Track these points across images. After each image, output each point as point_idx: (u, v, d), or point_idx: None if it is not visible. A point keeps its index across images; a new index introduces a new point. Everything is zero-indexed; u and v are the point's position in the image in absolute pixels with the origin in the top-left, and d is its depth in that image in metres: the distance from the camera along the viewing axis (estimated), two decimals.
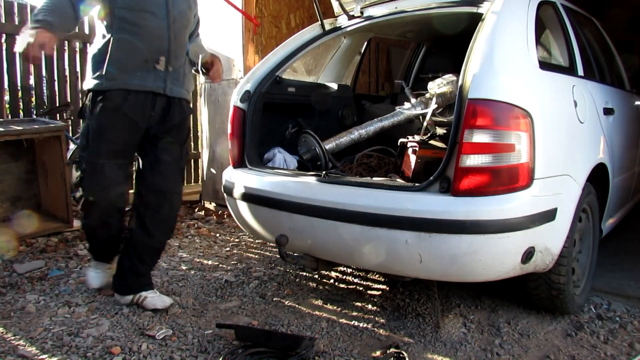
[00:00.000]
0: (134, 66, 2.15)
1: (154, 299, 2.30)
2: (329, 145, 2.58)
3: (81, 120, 2.31)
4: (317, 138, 2.50)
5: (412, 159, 2.24)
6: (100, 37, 2.18)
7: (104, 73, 2.13)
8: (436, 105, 2.49)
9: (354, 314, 2.32)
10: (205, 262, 3.06)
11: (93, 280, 2.50)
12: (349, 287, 2.65)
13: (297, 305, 2.38)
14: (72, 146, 3.91)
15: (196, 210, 4.29)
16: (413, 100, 2.67)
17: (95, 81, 2.16)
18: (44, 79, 4.20)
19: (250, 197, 2.36)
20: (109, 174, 2.18)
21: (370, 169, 2.62)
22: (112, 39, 2.13)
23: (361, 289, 2.62)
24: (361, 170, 2.57)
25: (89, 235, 2.45)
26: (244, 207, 2.41)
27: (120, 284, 2.34)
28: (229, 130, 2.61)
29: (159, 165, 2.28)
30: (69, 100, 4.31)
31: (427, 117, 2.45)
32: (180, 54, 2.28)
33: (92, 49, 2.21)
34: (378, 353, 1.95)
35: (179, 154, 2.35)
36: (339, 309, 2.36)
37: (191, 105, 2.57)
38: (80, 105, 2.29)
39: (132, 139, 2.24)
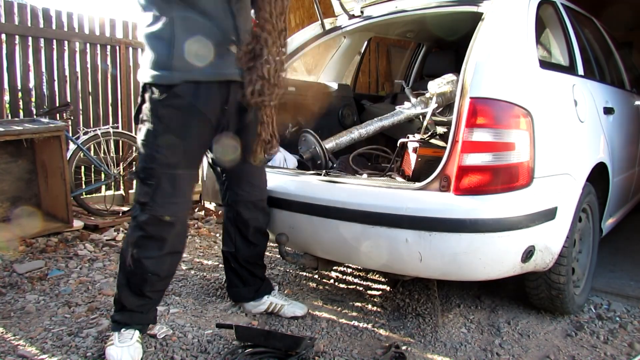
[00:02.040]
0: (207, 51, 1.76)
1: (291, 306, 2.25)
2: (329, 144, 2.58)
3: (139, 123, 1.86)
4: (317, 137, 2.50)
5: (413, 157, 2.24)
6: (151, 16, 1.77)
7: (170, 62, 1.75)
8: (436, 105, 2.49)
9: (354, 314, 2.31)
10: (205, 262, 3.05)
11: (124, 356, 1.77)
12: (349, 287, 2.65)
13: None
14: (72, 146, 3.91)
15: (196, 210, 4.29)
16: (413, 100, 2.67)
17: (158, 73, 1.76)
18: (44, 79, 4.20)
19: None
20: (185, 187, 1.85)
21: (366, 167, 2.62)
22: (173, 17, 1.73)
23: (361, 289, 2.62)
24: (357, 169, 2.57)
25: (143, 275, 1.83)
26: None
27: (248, 292, 2.25)
28: None
29: (246, 174, 2.05)
30: (69, 100, 4.31)
31: (427, 117, 2.45)
32: (246, 30, 1.88)
33: (146, 33, 1.79)
34: (378, 353, 1.94)
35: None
36: (339, 309, 2.36)
37: None
38: (139, 102, 1.84)
39: (206, 141, 1.92)
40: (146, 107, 1.80)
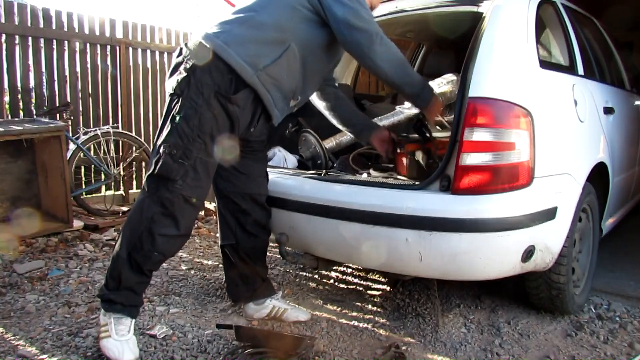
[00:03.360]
0: (282, 88, 1.91)
1: (294, 311, 2.24)
2: (329, 144, 2.58)
3: (177, 96, 1.81)
4: (317, 137, 2.50)
5: (404, 159, 2.24)
6: (283, 26, 1.86)
7: (261, 68, 1.81)
8: None
9: (354, 314, 2.31)
10: (205, 262, 3.05)
11: (125, 352, 1.78)
12: (349, 287, 2.65)
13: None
14: (72, 146, 3.91)
15: None
16: None
17: (243, 63, 1.79)
18: (44, 79, 4.20)
19: None
20: (212, 175, 1.93)
21: (366, 167, 2.62)
22: (290, 46, 1.85)
23: (361, 289, 2.62)
24: (357, 168, 2.57)
25: (149, 252, 1.81)
26: None
27: (247, 290, 2.23)
28: None
29: (247, 168, 2.08)
30: (69, 100, 4.31)
31: None
32: (308, 97, 2.18)
33: (263, 34, 1.84)
34: (378, 353, 1.94)
35: (263, 154, 2.20)
36: (339, 309, 2.36)
37: None
38: (187, 73, 1.80)
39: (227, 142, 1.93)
40: (198, 84, 1.77)
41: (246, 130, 1.94)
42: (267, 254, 2.23)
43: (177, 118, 1.79)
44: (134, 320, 1.87)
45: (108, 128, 4.19)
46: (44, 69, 4.19)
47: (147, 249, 1.80)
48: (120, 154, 4.52)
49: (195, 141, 1.78)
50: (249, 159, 2.07)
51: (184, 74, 1.80)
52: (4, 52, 3.91)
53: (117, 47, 4.63)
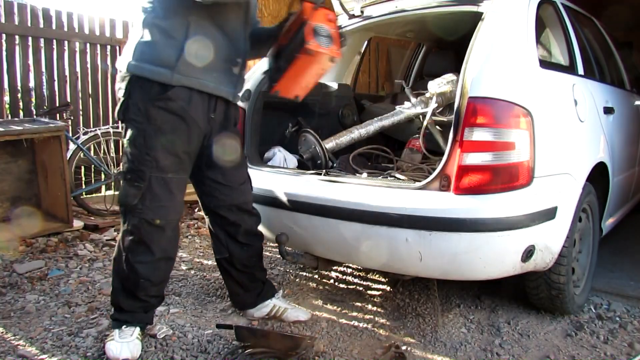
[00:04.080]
0: (214, 63, 1.78)
1: (295, 310, 2.21)
2: (329, 144, 2.58)
3: (122, 122, 1.83)
4: (317, 137, 2.50)
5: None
6: (170, 10, 1.73)
7: (175, 63, 1.71)
8: (436, 105, 2.49)
9: (354, 314, 2.31)
10: (205, 262, 3.05)
11: (123, 351, 1.79)
12: (349, 287, 2.65)
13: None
14: (72, 146, 3.91)
15: (196, 210, 4.29)
16: (413, 100, 2.67)
17: (158, 70, 1.71)
18: (44, 79, 4.20)
19: None
20: (175, 190, 1.82)
21: (366, 167, 2.62)
22: (190, 21, 1.71)
23: (361, 289, 2.62)
24: (357, 168, 2.57)
25: (136, 280, 1.82)
26: None
27: (250, 297, 2.19)
28: None
29: (229, 178, 1.99)
30: (69, 100, 4.31)
31: (427, 117, 2.45)
32: (249, 54, 1.96)
33: (153, 24, 1.73)
34: (378, 353, 1.94)
35: (242, 159, 2.09)
36: (339, 309, 2.36)
37: None
38: (124, 96, 1.77)
39: (196, 148, 1.89)
40: (134, 104, 1.75)
41: (207, 118, 1.85)
42: (268, 254, 2.24)
43: (126, 143, 1.80)
44: (138, 329, 1.89)
45: (108, 128, 4.19)
46: (44, 69, 4.19)
47: (133, 277, 1.82)
48: (120, 154, 4.51)
49: (145, 160, 1.74)
50: (229, 166, 2.00)
51: (122, 100, 1.79)
52: (4, 52, 3.91)
53: (117, 47, 4.63)
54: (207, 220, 2.16)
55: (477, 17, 2.10)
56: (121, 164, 1.82)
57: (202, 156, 1.94)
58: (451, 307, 2.36)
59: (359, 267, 2.82)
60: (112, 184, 4.50)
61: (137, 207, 1.77)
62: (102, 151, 4.22)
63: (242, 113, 2.57)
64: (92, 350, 1.90)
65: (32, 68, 4.10)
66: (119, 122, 1.85)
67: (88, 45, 4.45)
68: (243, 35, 1.90)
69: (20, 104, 4.10)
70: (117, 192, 4.56)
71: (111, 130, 4.16)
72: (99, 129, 4.11)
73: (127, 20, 4.74)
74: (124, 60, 1.78)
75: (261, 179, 2.34)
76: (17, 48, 3.99)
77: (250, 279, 2.18)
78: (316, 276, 2.80)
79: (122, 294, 1.87)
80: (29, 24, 4.05)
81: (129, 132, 1.78)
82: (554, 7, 2.44)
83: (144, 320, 1.93)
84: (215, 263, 2.22)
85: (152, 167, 1.75)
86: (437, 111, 2.53)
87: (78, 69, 4.43)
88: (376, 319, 2.26)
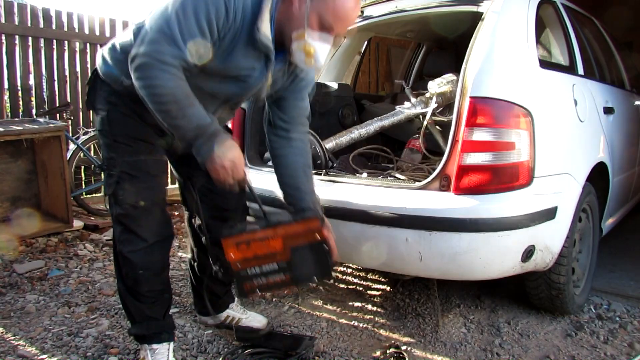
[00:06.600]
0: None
1: (249, 319, 2.10)
2: (329, 144, 2.58)
3: (94, 111, 1.78)
4: (317, 137, 2.50)
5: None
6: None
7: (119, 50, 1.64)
8: (436, 105, 2.49)
9: (354, 314, 2.31)
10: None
11: None
12: (349, 287, 2.65)
13: (297, 305, 2.37)
14: (72, 146, 3.91)
15: None
16: (413, 100, 2.67)
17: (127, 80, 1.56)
18: (44, 79, 4.20)
19: (250, 195, 2.34)
20: (155, 171, 1.74)
21: (366, 166, 2.62)
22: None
23: (361, 289, 2.62)
24: (357, 168, 2.57)
25: (134, 274, 1.73)
26: None
27: (209, 304, 1.99)
28: None
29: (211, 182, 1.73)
30: (69, 100, 4.31)
31: (427, 117, 2.45)
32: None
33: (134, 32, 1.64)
34: (378, 353, 1.94)
35: None
36: (339, 309, 2.35)
37: None
38: (88, 91, 1.76)
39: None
40: (100, 95, 1.71)
41: None
42: None
43: (98, 132, 1.76)
44: (172, 344, 1.79)
45: None
46: (44, 69, 4.20)
47: (130, 271, 1.73)
48: None
49: (116, 146, 1.69)
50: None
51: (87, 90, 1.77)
52: (4, 52, 3.91)
53: None
54: (185, 215, 2.07)
55: (477, 17, 2.09)
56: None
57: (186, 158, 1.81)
58: (451, 307, 2.36)
59: (359, 267, 2.82)
60: None
61: (119, 194, 1.70)
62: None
63: (242, 113, 2.57)
64: (92, 350, 1.91)
65: (32, 68, 4.11)
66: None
67: (88, 45, 4.45)
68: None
69: (20, 104, 4.10)
70: None
71: None
72: None
73: (127, 20, 4.74)
74: (103, 66, 1.72)
75: (261, 179, 2.34)
76: (17, 48, 3.99)
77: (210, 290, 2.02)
78: None
79: (129, 298, 1.76)
80: (29, 24, 4.05)
81: (98, 123, 1.75)
82: (554, 7, 2.44)
83: (162, 328, 1.78)
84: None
85: (124, 151, 1.69)
86: (437, 111, 2.53)
87: (78, 69, 4.44)
88: (376, 319, 2.25)
